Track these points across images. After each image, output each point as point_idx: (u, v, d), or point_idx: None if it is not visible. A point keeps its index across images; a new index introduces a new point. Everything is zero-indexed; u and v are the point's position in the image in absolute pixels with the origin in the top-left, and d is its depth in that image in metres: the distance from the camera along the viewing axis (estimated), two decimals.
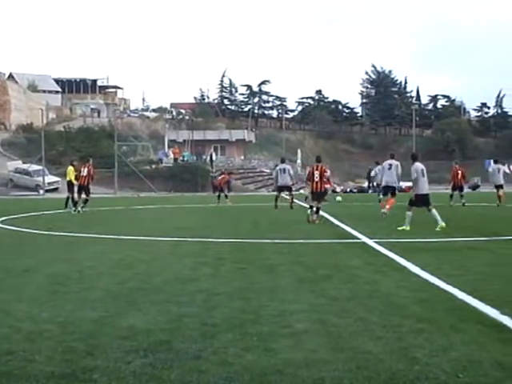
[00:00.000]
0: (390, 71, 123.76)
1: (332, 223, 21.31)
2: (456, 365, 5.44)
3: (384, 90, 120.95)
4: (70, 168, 30.86)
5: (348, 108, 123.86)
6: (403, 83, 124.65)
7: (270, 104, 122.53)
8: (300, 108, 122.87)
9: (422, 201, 18.83)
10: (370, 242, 15.06)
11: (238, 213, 28.63)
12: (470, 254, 12.92)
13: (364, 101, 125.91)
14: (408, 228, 18.10)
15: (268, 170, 79.86)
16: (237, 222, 22.72)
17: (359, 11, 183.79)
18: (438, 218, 18.24)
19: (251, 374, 5.29)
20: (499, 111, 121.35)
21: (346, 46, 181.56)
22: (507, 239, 15.76)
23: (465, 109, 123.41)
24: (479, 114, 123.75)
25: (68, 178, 31.00)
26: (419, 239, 15.85)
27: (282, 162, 32.10)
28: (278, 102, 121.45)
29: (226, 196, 37.88)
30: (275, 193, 32.46)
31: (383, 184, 25.75)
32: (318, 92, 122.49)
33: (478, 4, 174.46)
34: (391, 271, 10.73)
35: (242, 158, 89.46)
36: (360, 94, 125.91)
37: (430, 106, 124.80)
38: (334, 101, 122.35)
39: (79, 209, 28.08)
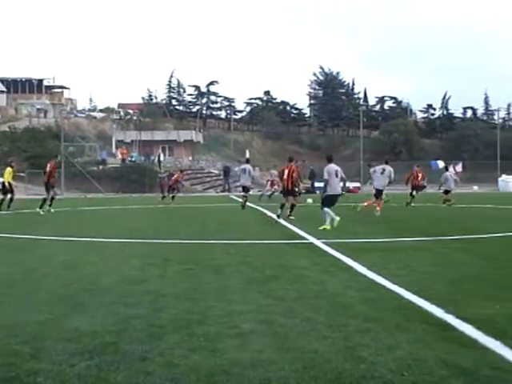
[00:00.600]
0: (337, 73, 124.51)
1: (280, 224, 21.35)
2: (401, 363, 5.50)
3: (332, 92, 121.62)
4: (8, 169, 30.34)
5: (296, 109, 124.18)
6: (351, 84, 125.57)
7: (219, 105, 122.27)
8: (248, 109, 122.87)
9: (332, 201, 19.48)
10: (317, 243, 15.13)
11: (187, 214, 28.56)
12: (416, 254, 13.06)
13: (312, 102, 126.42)
14: (329, 227, 18.49)
15: (216, 171, 79.83)
16: (185, 223, 22.67)
17: (308, 12, 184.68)
18: (328, 219, 18.81)
19: (198, 374, 5.28)
20: (445, 113, 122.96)
21: (294, 47, 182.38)
22: (451, 239, 15.96)
23: (411, 110, 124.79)
24: (425, 115, 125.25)
25: (3, 179, 30.51)
26: (366, 239, 16.00)
27: (247, 162, 32.45)
28: (227, 103, 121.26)
29: (173, 197, 37.88)
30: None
31: (376, 188, 26.70)
32: (267, 93, 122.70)
33: (425, 7, 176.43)
34: (338, 271, 10.79)
35: (190, 158, 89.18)
36: (308, 95, 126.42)
37: (378, 108, 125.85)
38: (282, 102, 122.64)
39: (46, 209, 27.78)
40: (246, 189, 31.45)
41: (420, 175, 35.18)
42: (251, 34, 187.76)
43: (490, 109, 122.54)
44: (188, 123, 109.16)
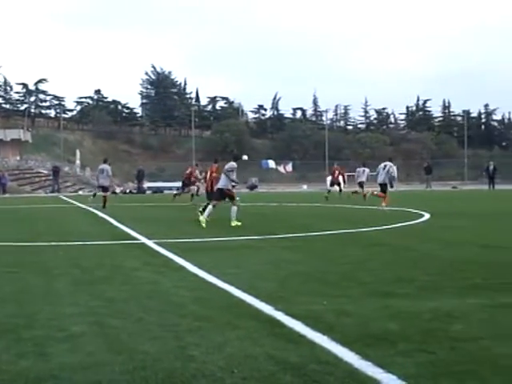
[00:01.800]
0: (169, 72, 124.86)
1: (111, 224, 21.13)
2: (231, 361, 5.55)
3: (164, 91, 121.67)
4: None
5: (128, 108, 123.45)
6: (183, 84, 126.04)
7: (48, 103, 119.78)
8: (79, 108, 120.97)
9: (215, 195, 20.58)
10: (149, 243, 15.07)
11: (15, 215, 27.74)
12: (247, 253, 13.24)
13: (144, 101, 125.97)
14: (204, 224, 19.02)
15: (46, 171, 77.99)
16: (13, 225, 22.01)
17: (138, 10, 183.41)
18: (234, 215, 19.48)
19: (25, 379, 5.13)
20: (275, 113, 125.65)
21: (125, 46, 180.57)
22: (281, 237, 16.28)
23: (243, 110, 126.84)
24: (256, 115, 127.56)
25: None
26: (198, 239, 16.05)
27: (104, 162, 32.19)
28: (56, 102, 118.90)
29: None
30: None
31: (378, 182, 28.61)
32: (97, 92, 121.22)
33: (255, 10, 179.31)
34: (170, 271, 10.78)
35: (18, 158, 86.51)
36: (140, 94, 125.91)
37: (210, 108, 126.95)
38: (114, 101, 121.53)
39: None
40: (104, 188, 31.50)
41: (337, 172, 40.46)
42: (81, 32, 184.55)
43: (319, 110, 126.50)
44: (15, 122, 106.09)
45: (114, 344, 6.18)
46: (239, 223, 19.13)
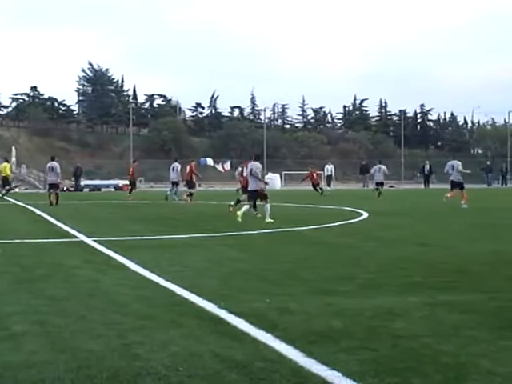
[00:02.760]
0: (106, 69, 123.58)
1: (50, 222, 20.88)
2: (176, 359, 5.55)
3: (101, 88, 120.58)
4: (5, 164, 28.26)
5: (64, 105, 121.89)
6: (120, 82, 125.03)
7: None
8: (14, 104, 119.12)
9: (251, 196, 21.47)
10: (89, 241, 14.93)
11: None
12: (189, 251, 13.20)
13: (81, 98, 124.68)
14: (271, 220, 19.75)
15: None
16: None
17: (73, 6, 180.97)
18: (267, 213, 20.18)
19: None
20: (213, 111, 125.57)
21: (61, 42, 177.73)
22: (224, 235, 16.31)
23: (180, 108, 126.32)
24: (194, 114, 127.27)
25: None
26: (139, 237, 15.97)
27: (52, 159, 32.10)
28: None
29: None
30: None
31: (451, 179, 29.50)
32: (33, 88, 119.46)
33: (194, 9, 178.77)
34: (111, 269, 10.71)
35: None
36: (77, 91, 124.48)
37: (147, 106, 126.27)
38: (50, 97, 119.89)
39: None
40: (54, 186, 31.22)
41: (315, 174, 43.81)
42: (17, 27, 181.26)
43: (257, 108, 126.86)
44: None
45: (57, 343, 6.13)
46: (272, 220, 19.68)
